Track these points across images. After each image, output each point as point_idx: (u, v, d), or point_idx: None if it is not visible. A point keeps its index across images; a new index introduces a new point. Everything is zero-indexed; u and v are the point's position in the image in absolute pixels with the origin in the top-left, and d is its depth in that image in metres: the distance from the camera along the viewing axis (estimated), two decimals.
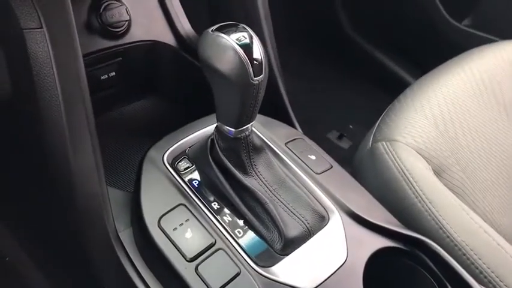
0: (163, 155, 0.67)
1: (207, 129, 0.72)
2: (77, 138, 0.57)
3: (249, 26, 0.57)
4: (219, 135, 0.62)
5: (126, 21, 0.92)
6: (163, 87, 1.03)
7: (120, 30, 0.92)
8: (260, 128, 0.73)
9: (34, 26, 0.53)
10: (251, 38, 0.55)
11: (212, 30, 0.55)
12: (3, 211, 0.86)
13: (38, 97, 0.55)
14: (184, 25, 1.01)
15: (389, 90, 1.41)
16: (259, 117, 0.72)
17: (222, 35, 0.54)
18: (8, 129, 0.67)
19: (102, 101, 0.90)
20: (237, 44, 0.53)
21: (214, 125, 0.63)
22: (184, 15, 1.02)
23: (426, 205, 0.72)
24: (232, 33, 0.54)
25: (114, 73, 0.92)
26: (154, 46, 0.97)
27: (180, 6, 1.02)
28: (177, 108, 1.02)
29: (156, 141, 0.69)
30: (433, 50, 1.51)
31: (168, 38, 1.00)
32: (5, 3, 0.52)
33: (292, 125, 0.88)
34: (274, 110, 0.84)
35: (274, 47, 0.90)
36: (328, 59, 1.69)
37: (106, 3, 0.89)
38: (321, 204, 0.64)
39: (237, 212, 0.62)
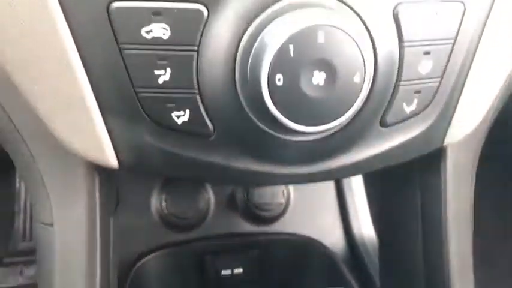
0: None
1: None
2: None
3: None
4: None
5: (281, 204, 0.68)
6: None
7: (269, 215, 0.68)
8: None
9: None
10: None
11: None
12: None
13: None
14: (363, 227, 0.71)
15: None
16: None
17: None
18: None
19: None
20: None
21: None
22: (369, 214, 0.73)
23: None
24: None
25: (241, 269, 0.66)
26: (308, 245, 0.69)
27: (366, 202, 0.73)
28: None
29: None
30: None
31: (334, 239, 0.71)
32: None
33: None
34: None
35: None
36: None
37: None
38: None
39: None
